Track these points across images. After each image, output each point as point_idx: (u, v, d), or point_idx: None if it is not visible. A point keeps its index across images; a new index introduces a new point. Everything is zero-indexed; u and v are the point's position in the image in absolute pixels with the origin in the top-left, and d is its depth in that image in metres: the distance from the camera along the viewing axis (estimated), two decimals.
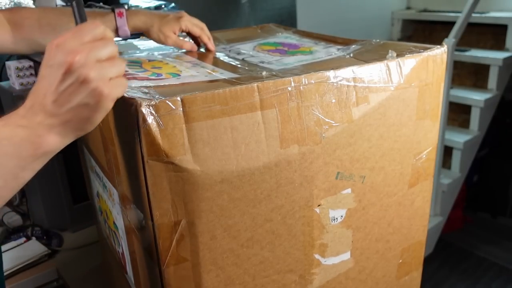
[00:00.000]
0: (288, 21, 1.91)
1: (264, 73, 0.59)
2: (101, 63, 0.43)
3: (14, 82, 1.06)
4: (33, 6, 1.15)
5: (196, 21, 0.83)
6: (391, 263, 0.76)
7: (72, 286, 1.00)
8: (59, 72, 0.42)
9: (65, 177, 1.09)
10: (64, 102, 0.42)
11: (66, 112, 0.43)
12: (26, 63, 1.07)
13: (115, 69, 0.44)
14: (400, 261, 0.77)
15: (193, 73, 0.64)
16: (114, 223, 0.73)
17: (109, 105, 0.44)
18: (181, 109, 0.49)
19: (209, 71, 0.65)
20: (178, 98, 0.48)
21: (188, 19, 0.82)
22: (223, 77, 0.61)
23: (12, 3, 1.07)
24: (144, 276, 0.63)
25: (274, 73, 0.60)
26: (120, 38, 0.84)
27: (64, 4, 1.06)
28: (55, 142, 0.44)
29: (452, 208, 2.50)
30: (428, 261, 0.85)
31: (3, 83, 1.13)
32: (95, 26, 0.44)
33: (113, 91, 0.43)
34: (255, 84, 0.53)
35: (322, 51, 0.77)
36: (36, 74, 1.05)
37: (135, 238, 0.62)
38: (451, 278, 2.49)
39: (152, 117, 0.47)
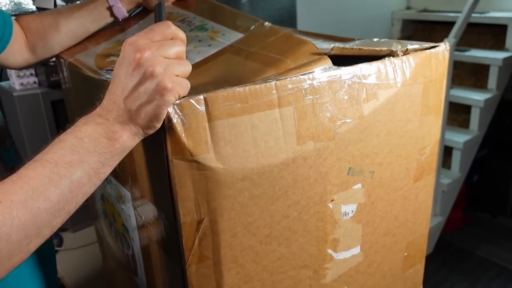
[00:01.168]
0: (288, 21, 1.91)
1: (266, 23, 0.60)
2: (168, 60, 0.44)
3: (14, 82, 1.05)
4: (33, 7, 1.14)
5: None
6: (397, 256, 0.78)
7: (72, 286, 0.98)
8: (130, 69, 0.44)
9: None
10: (135, 99, 0.44)
11: (137, 109, 0.44)
12: None
13: (182, 68, 0.46)
14: (405, 254, 0.79)
15: (196, 43, 0.64)
16: (123, 225, 0.72)
17: (171, 100, 0.45)
18: (204, 107, 0.49)
19: (210, 35, 0.65)
20: (201, 97, 0.49)
21: None
22: (227, 42, 0.62)
23: (12, 3, 1.05)
24: (160, 277, 0.63)
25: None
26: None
27: (64, 4, 1.04)
28: (129, 139, 0.45)
29: (452, 208, 2.48)
30: (428, 261, 0.86)
31: (3, 83, 1.12)
32: (166, 26, 0.46)
33: (176, 87, 0.44)
34: (273, 82, 0.53)
35: (323, 44, 0.78)
36: (36, 74, 1.03)
37: (151, 238, 0.62)
38: (451, 278, 2.49)
39: (177, 116, 0.48)
